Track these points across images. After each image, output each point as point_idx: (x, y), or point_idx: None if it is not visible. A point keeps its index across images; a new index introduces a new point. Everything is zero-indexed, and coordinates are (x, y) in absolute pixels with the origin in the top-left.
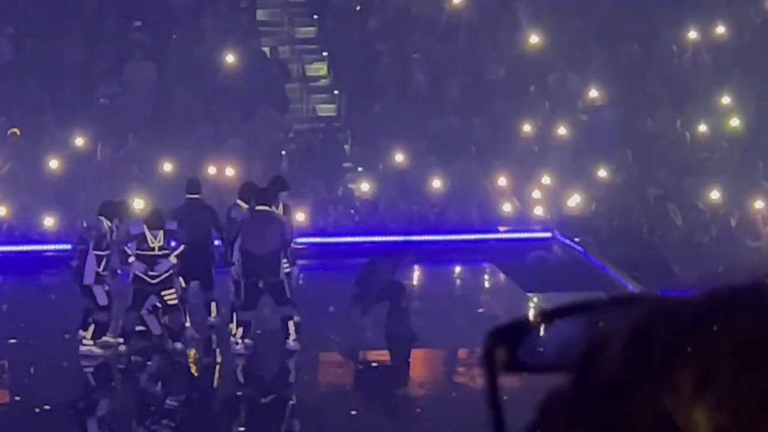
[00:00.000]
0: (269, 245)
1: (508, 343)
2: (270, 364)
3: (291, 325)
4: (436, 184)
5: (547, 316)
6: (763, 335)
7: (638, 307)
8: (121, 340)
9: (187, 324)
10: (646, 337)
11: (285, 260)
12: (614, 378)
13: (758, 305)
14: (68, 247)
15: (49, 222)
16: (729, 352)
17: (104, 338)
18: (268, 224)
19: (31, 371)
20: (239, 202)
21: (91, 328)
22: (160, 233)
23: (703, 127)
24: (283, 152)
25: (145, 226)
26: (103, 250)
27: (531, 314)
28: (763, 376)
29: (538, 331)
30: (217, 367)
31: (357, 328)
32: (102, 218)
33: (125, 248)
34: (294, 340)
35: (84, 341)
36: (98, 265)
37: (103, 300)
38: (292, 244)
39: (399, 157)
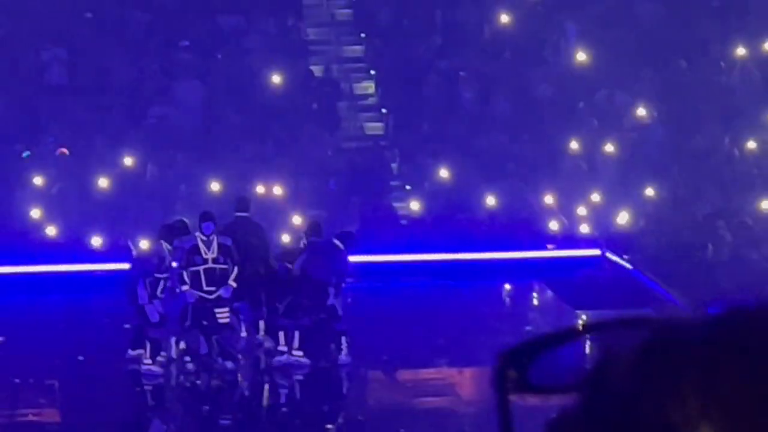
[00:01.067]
0: (326, 273)
1: (519, 364)
2: (321, 380)
3: (343, 340)
4: (484, 201)
5: (557, 337)
6: (764, 361)
7: (647, 327)
8: (187, 358)
9: (240, 342)
10: (655, 356)
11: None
12: (622, 397)
13: (765, 327)
14: (117, 266)
15: (97, 241)
16: (735, 372)
17: (161, 356)
18: (330, 254)
19: (89, 390)
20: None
21: (148, 346)
22: (214, 244)
23: (752, 144)
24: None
25: (197, 235)
26: (162, 273)
27: (541, 335)
28: (764, 401)
29: (549, 352)
30: (266, 385)
31: (406, 346)
32: (162, 242)
33: (182, 270)
34: (346, 355)
35: (144, 360)
36: (156, 287)
37: (154, 317)
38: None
39: (446, 175)
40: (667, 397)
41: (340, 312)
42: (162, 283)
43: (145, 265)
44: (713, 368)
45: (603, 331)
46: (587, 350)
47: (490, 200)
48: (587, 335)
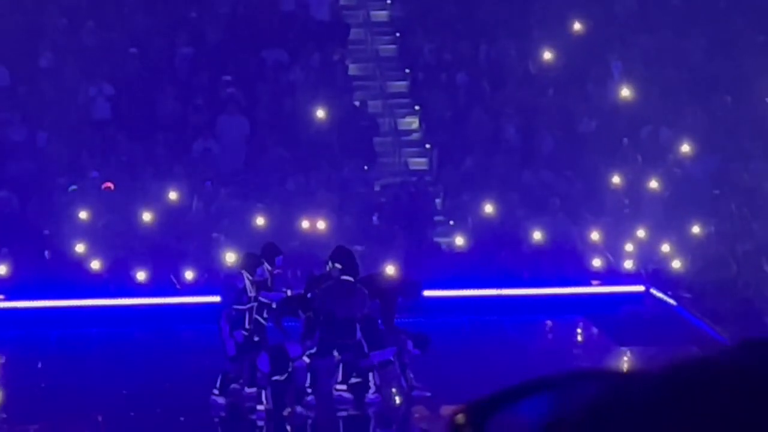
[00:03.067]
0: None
1: (476, 421)
2: (367, 415)
3: (370, 377)
4: (528, 237)
5: (514, 394)
6: (705, 417)
7: (598, 383)
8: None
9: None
10: (599, 418)
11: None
12: None
13: (704, 387)
14: (159, 300)
15: (141, 275)
16: None
17: (233, 386)
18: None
19: (154, 422)
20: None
21: (219, 378)
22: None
23: None
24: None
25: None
26: (243, 305)
27: (498, 392)
28: None
29: (506, 408)
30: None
31: (449, 382)
32: (243, 272)
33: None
34: (374, 393)
35: (213, 391)
36: (240, 319)
37: (231, 351)
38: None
39: (490, 210)
40: None
41: (366, 349)
42: (247, 314)
43: (226, 298)
44: (659, 427)
45: (557, 388)
46: (544, 406)
47: (535, 235)
48: (544, 391)
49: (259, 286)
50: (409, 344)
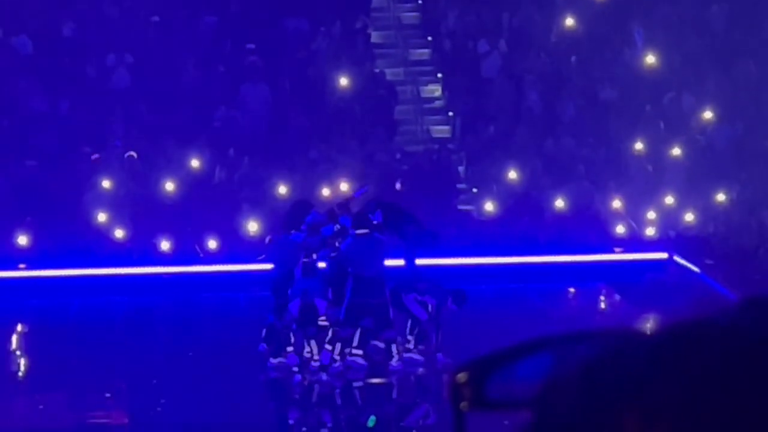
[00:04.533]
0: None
1: (476, 379)
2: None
3: (393, 347)
4: (551, 204)
5: (514, 352)
6: (703, 378)
7: (596, 343)
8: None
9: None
10: (595, 376)
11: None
12: (566, 418)
13: (703, 347)
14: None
15: (165, 245)
16: (672, 392)
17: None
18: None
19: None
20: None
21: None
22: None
23: None
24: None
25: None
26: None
27: (498, 350)
28: (702, 416)
29: (506, 367)
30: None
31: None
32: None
33: None
34: (397, 362)
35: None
36: None
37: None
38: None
39: (513, 178)
40: (605, 416)
41: (390, 315)
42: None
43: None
44: (651, 387)
45: (558, 346)
46: (543, 365)
47: (558, 202)
48: (543, 350)
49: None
50: (448, 300)
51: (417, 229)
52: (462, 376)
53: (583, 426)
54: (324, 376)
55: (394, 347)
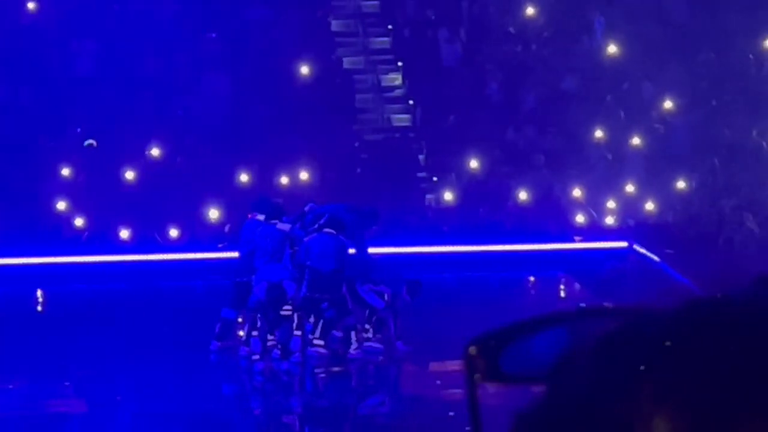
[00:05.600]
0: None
1: (489, 352)
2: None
3: (353, 334)
4: (511, 193)
5: (528, 326)
6: (719, 353)
7: (610, 318)
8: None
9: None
10: (611, 351)
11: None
12: (581, 391)
13: (720, 323)
14: (143, 257)
15: (124, 234)
16: (688, 367)
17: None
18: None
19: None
20: None
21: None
22: None
23: None
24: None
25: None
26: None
27: (512, 324)
28: (718, 392)
29: (520, 341)
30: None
31: (430, 337)
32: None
33: None
34: (356, 350)
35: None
36: None
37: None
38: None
39: (473, 167)
40: (620, 391)
41: (349, 305)
42: None
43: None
44: (666, 363)
45: (573, 322)
46: (558, 340)
47: (517, 191)
48: (558, 325)
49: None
50: (403, 290)
51: (356, 215)
52: (473, 349)
53: (598, 401)
54: (285, 364)
55: (353, 335)
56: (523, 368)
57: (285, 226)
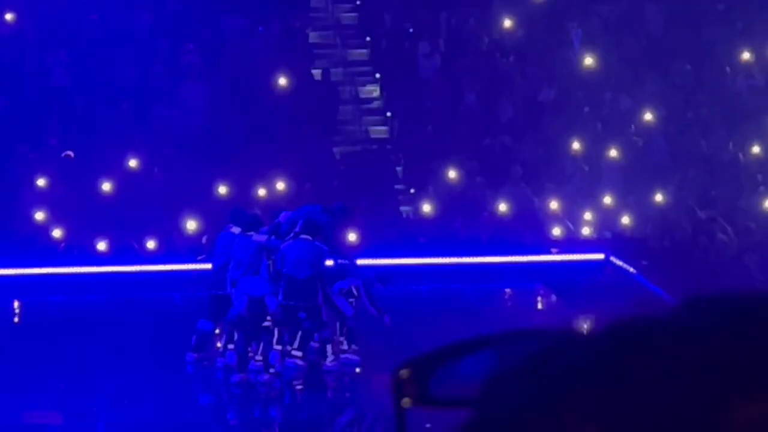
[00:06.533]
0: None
1: (420, 376)
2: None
3: (328, 347)
4: (488, 204)
5: (458, 349)
6: (642, 376)
7: (537, 341)
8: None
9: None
10: (535, 375)
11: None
12: (505, 415)
13: (643, 346)
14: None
15: (102, 245)
16: (611, 391)
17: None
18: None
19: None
20: None
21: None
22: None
23: (756, 148)
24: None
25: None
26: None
27: (443, 347)
28: (640, 415)
29: (450, 364)
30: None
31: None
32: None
33: None
34: (332, 362)
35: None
36: None
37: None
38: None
39: (450, 178)
40: (544, 414)
41: (324, 316)
42: None
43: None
44: (590, 385)
45: (500, 345)
46: (487, 363)
47: (495, 203)
48: (487, 348)
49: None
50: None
51: (329, 215)
52: (404, 373)
53: (523, 424)
54: (265, 376)
55: (329, 347)
56: (452, 392)
57: (261, 237)
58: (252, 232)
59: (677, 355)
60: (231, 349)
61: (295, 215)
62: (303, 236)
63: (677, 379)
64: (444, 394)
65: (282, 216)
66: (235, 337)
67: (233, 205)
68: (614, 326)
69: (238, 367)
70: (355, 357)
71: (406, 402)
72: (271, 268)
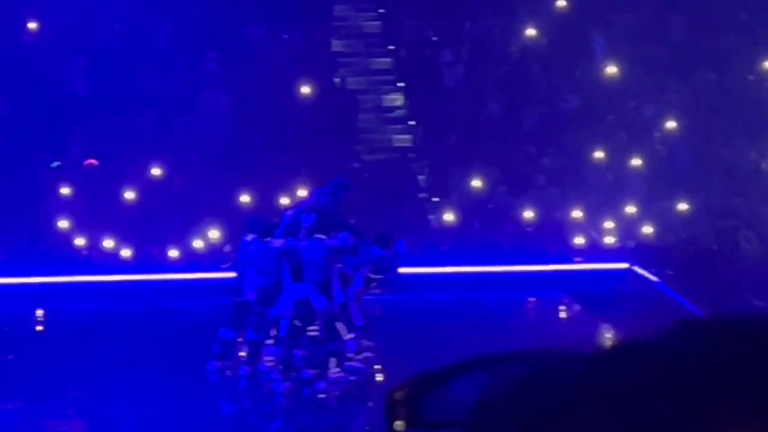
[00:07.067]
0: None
1: (413, 398)
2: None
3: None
4: (510, 213)
5: (450, 371)
6: (632, 399)
7: (529, 363)
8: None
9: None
10: (526, 397)
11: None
12: None
13: (636, 367)
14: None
15: (126, 253)
16: (601, 414)
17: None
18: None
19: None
20: None
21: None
22: None
23: None
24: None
25: None
26: None
27: (435, 369)
28: None
29: (443, 386)
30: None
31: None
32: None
33: None
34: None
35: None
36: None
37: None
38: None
39: (474, 187)
40: None
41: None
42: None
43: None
44: (580, 408)
45: (493, 366)
46: (479, 385)
47: (518, 212)
48: (479, 369)
49: None
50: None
51: (328, 197)
52: (398, 395)
53: None
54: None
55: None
56: (445, 414)
57: (279, 242)
58: (269, 239)
59: (670, 377)
60: (270, 362)
61: (298, 210)
62: (316, 236)
63: (670, 401)
64: (437, 417)
65: (286, 216)
66: (277, 341)
67: (254, 214)
68: (605, 349)
69: (282, 374)
70: (360, 365)
71: (398, 425)
72: (293, 271)
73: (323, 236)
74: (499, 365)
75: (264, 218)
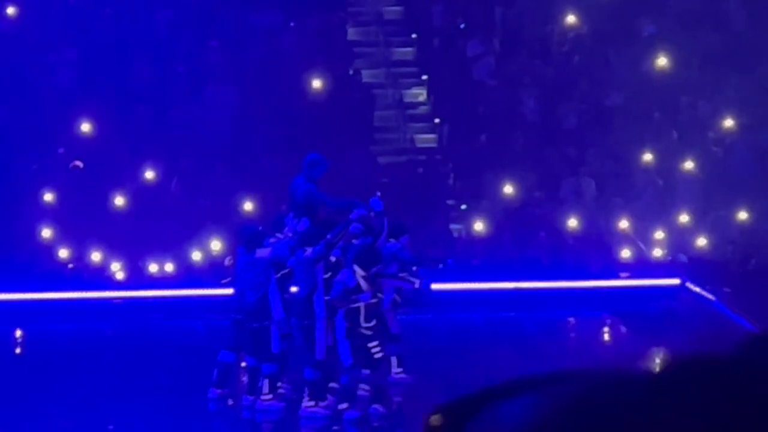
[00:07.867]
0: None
1: (454, 422)
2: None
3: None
4: (549, 222)
5: (494, 394)
6: (710, 414)
7: (582, 383)
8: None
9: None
10: (584, 420)
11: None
12: None
13: (707, 384)
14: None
15: (116, 266)
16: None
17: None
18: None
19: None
20: None
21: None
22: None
23: None
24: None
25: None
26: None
27: (477, 392)
28: None
29: (487, 409)
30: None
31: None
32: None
33: None
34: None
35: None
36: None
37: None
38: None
39: (507, 193)
40: None
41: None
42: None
43: None
44: (647, 430)
45: (540, 389)
46: (526, 409)
47: (557, 221)
48: (524, 393)
49: None
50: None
51: (304, 179)
52: (436, 419)
53: None
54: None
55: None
56: None
57: (264, 252)
58: (256, 249)
59: (740, 394)
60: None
61: (281, 215)
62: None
63: (747, 414)
64: None
65: (275, 224)
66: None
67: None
68: (668, 365)
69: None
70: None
71: None
72: (280, 282)
73: (308, 248)
74: (548, 386)
75: (251, 226)
